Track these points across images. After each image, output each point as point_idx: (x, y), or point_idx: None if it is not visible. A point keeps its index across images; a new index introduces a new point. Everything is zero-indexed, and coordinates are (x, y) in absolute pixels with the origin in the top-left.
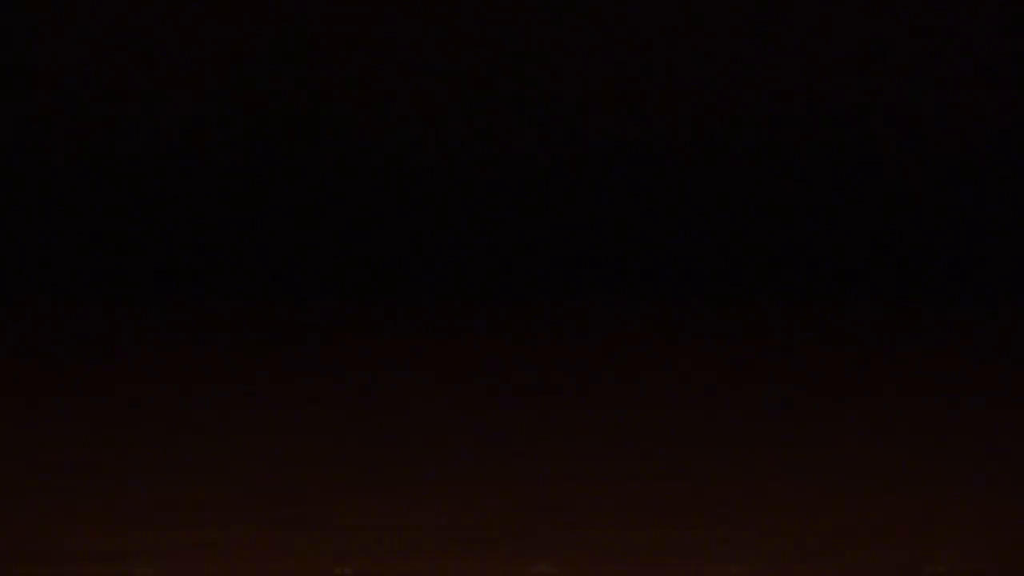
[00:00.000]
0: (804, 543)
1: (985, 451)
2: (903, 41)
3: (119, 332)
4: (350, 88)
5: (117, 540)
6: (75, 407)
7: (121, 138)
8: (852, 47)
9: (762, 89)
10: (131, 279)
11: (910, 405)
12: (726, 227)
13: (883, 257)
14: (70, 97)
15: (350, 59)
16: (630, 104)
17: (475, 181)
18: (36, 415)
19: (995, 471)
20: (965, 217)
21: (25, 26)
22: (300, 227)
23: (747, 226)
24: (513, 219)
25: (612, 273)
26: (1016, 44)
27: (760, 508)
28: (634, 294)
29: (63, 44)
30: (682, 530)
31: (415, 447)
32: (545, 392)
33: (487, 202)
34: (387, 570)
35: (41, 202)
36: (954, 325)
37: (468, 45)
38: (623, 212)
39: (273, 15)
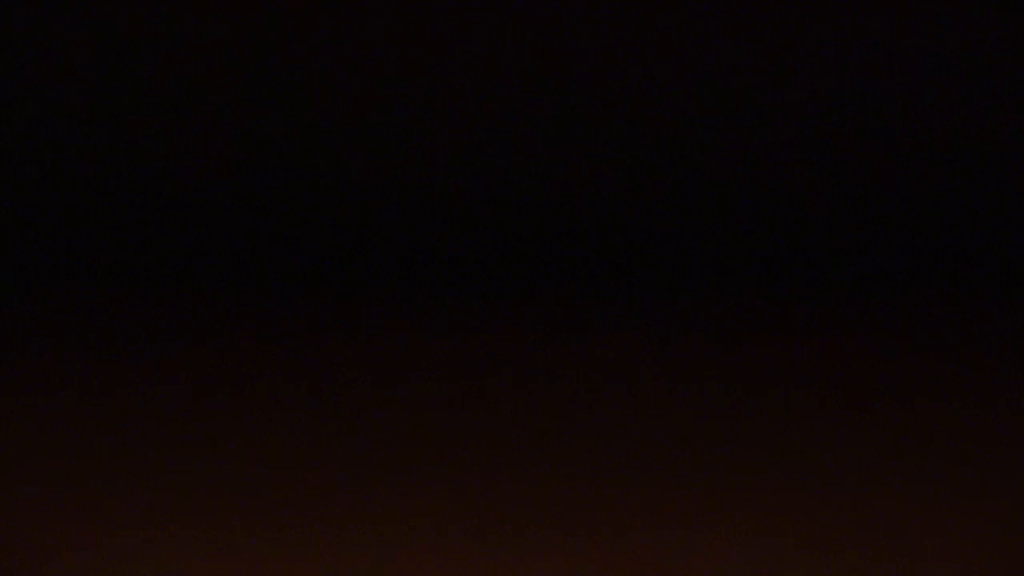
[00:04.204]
0: (804, 544)
1: (985, 452)
2: (903, 40)
3: (116, 331)
4: (353, 90)
5: (116, 543)
6: (72, 407)
7: (123, 135)
8: (852, 46)
9: (762, 89)
10: (127, 278)
11: (911, 406)
12: (725, 227)
13: (882, 257)
14: (70, 94)
15: (354, 58)
16: (623, 102)
17: (474, 181)
18: (33, 415)
19: (996, 472)
20: (965, 217)
21: (23, 24)
22: (296, 226)
23: (746, 226)
24: (511, 219)
25: (612, 272)
26: (1016, 45)
27: (760, 508)
28: (633, 294)
29: (62, 42)
30: (681, 530)
31: (414, 447)
32: (544, 392)
33: (486, 202)
34: (387, 570)
35: (39, 200)
36: (954, 325)
37: (469, 47)
38: (622, 213)
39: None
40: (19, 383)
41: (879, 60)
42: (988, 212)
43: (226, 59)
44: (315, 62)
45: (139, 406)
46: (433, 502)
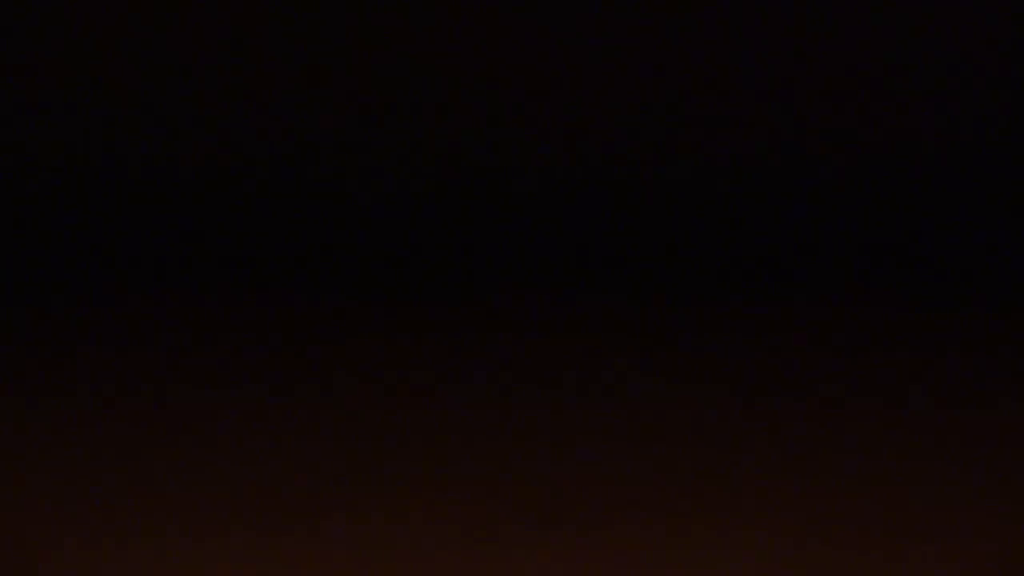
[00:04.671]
0: (804, 544)
1: (986, 452)
2: (904, 40)
3: (116, 331)
4: (354, 88)
5: (116, 543)
6: (72, 407)
7: (126, 134)
8: (853, 47)
9: (762, 87)
10: (126, 278)
11: (911, 406)
12: (726, 227)
13: (883, 257)
14: (72, 94)
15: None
16: (623, 104)
17: (473, 180)
18: (33, 415)
19: (996, 472)
20: (965, 217)
21: (26, 25)
22: (297, 225)
23: (748, 226)
24: (511, 219)
25: (611, 272)
26: (1016, 46)
27: (760, 508)
28: (633, 293)
29: (63, 43)
30: (681, 530)
31: (414, 447)
32: (544, 392)
33: (487, 201)
34: (387, 570)
35: (41, 200)
36: (953, 325)
37: (472, 44)
38: (623, 212)
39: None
40: (19, 383)
41: (877, 60)
42: (988, 212)
43: (226, 58)
44: (314, 61)
45: (139, 406)
46: (435, 502)
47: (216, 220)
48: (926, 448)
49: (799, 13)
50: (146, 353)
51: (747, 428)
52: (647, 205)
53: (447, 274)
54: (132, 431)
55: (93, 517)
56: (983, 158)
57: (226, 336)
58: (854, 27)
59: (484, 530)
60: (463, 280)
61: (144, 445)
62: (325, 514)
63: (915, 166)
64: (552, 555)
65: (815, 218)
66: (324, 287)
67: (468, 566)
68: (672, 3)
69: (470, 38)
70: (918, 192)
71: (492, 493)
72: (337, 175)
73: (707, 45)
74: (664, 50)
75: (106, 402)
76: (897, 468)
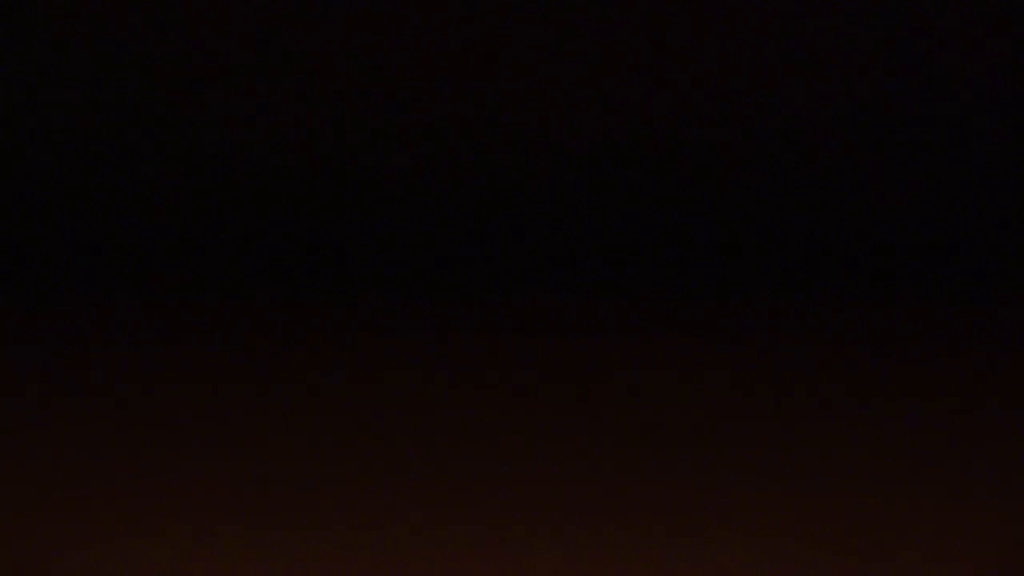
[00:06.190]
0: (804, 544)
1: (987, 452)
2: (903, 40)
3: (116, 331)
4: (349, 87)
5: (116, 544)
6: (69, 409)
7: (124, 135)
8: (852, 46)
9: (761, 86)
10: (126, 277)
11: (912, 406)
12: (727, 226)
13: (883, 257)
14: (72, 94)
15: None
16: (625, 102)
17: (474, 180)
18: (33, 415)
19: (997, 472)
20: (964, 217)
21: (26, 24)
22: (294, 225)
23: (748, 225)
24: (509, 218)
25: (611, 271)
26: (1016, 44)
27: (760, 508)
28: (634, 293)
29: (63, 42)
30: (682, 531)
31: (416, 447)
32: (544, 392)
33: (486, 201)
34: (387, 570)
35: (42, 200)
36: (954, 325)
37: (458, 44)
38: (623, 211)
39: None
40: (19, 383)
41: (876, 59)
42: (988, 212)
43: (225, 58)
44: (314, 60)
45: (139, 406)
46: (435, 503)
47: (216, 219)
48: (926, 448)
49: (798, 11)
50: (146, 352)
51: (747, 428)
52: (646, 204)
53: (447, 273)
54: (132, 431)
55: (94, 517)
56: (982, 157)
57: (227, 335)
58: (853, 26)
59: (484, 531)
60: (463, 279)
61: (144, 445)
62: (326, 514)
63: (914, 165)
64: (553, 556)
65: (814, 217)
66: (324, 287)
67: (468, 566)
68: (670, 2)
69: (464, 33)
70: (917, 191)
71: (493, 493)
72: (337, 173)
73: (706, 43)
74: (663, 47)
75: (106, 401)
76: (897, 468)
